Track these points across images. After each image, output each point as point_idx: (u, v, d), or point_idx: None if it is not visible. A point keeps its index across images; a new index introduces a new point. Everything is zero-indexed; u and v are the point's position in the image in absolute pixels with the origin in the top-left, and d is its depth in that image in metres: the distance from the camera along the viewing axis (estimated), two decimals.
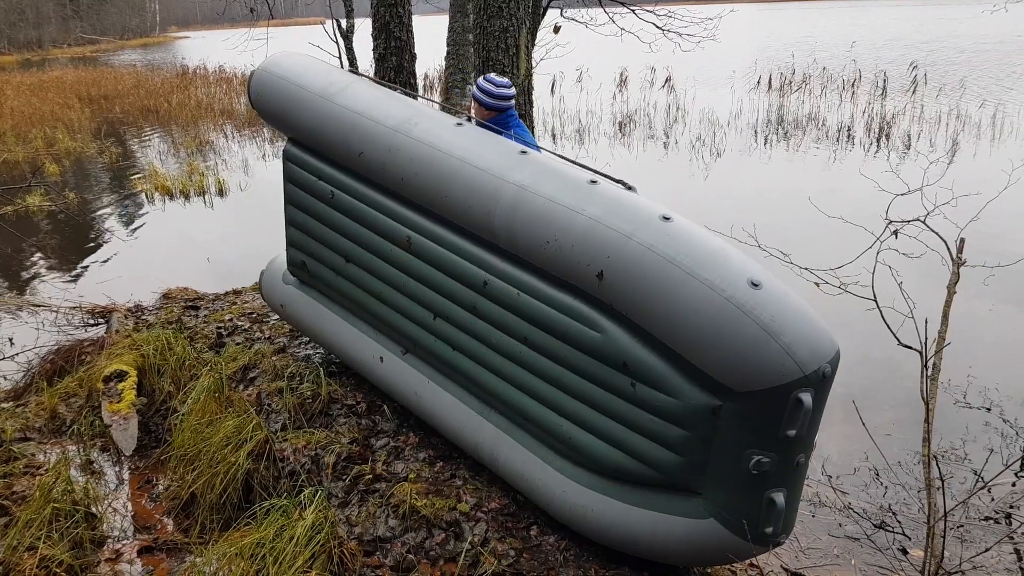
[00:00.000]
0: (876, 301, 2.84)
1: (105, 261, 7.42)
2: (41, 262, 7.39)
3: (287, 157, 3.53)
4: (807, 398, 2.09)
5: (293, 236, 3.61)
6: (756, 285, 2.14)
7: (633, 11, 7.15)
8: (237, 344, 4.26)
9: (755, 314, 2.09)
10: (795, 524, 2.44)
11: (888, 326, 2.79)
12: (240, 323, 4.72)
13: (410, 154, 2.92)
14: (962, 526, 3.23)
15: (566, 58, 10.11)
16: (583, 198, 2.45)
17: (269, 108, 3.48)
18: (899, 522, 3.27)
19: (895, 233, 2.97)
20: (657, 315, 2.25)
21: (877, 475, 3.60)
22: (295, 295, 3.74)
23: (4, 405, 3.95)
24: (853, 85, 15.62)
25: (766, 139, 12.39)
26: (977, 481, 3.48)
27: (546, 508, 2.76)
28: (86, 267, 7.26)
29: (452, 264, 2.88)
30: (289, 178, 3.54)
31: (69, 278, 6.88)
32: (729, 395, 2.20)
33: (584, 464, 2.63)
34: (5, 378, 4.43)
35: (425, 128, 2.95)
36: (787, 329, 2.09)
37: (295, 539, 2.59)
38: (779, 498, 2.24)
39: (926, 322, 2.72)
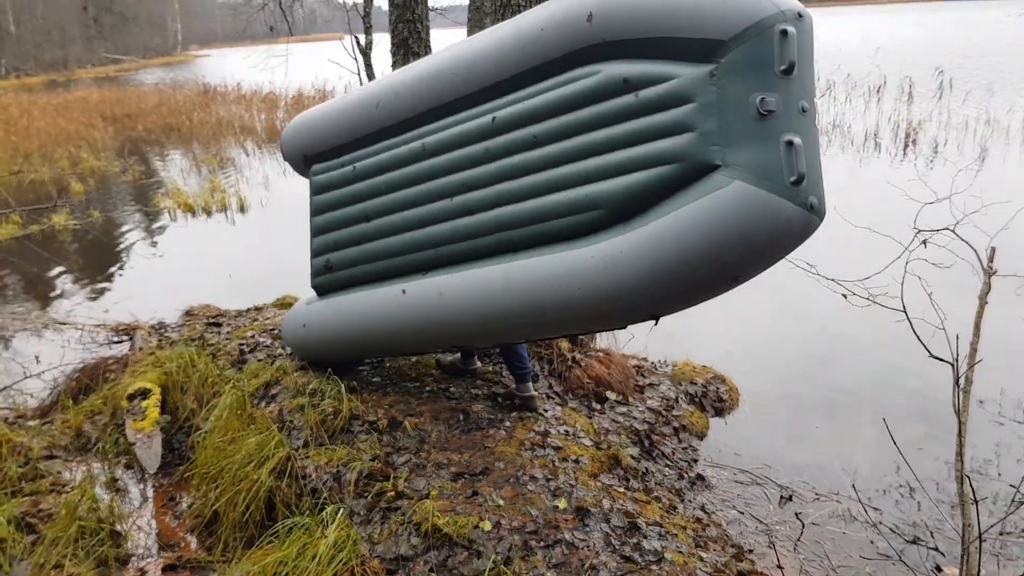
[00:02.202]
0: (906, 312, 2.78)
1: (128, 279, 7.50)
2: (66, 280, 7.48)
3: (313, 174, 3.77)
4: (790, 30, 2.26)
5: (318, 244, 3.72)
6: None
7: None
8: (259, 361, 4.26)
9: None
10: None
11: (919, 338, 2.74)
12: (262, 339, 4.73)
13: (419, 70, 3.30)
14: (989, 542, 3.15)
15: None
16: None
17: (297, 144, 3.83)
18: (933, 537, 3.20)
19: (924, 243, 2.92)
20: (646, 12, 2.49)
21: (909, 491, 3.52)
22: (317, 307, 3.77)
23: (31, 423, 3.99)
24: (878, 91, 15.47)
25: None
26: (1015, 497, 3.39)
27: (581, 297, 2.61)
28: (110, 285, 7.34)
29: (463, 132, 3.10)
30: (315, 190, 3.73)
31: (93, 296, 6.96)
32: (719, 52, 2.34)
33: (607, 219, 2.60)
34: (32, 396, 4.48)
35: (429, 56, 3.41)
36: None
37: (317, 557, 2.57)
38: (795, 139, 2.27)
39: (957, 338, 2.66)
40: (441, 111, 3.21)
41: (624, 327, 2.95)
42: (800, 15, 2.30)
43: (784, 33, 2.25)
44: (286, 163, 4.05)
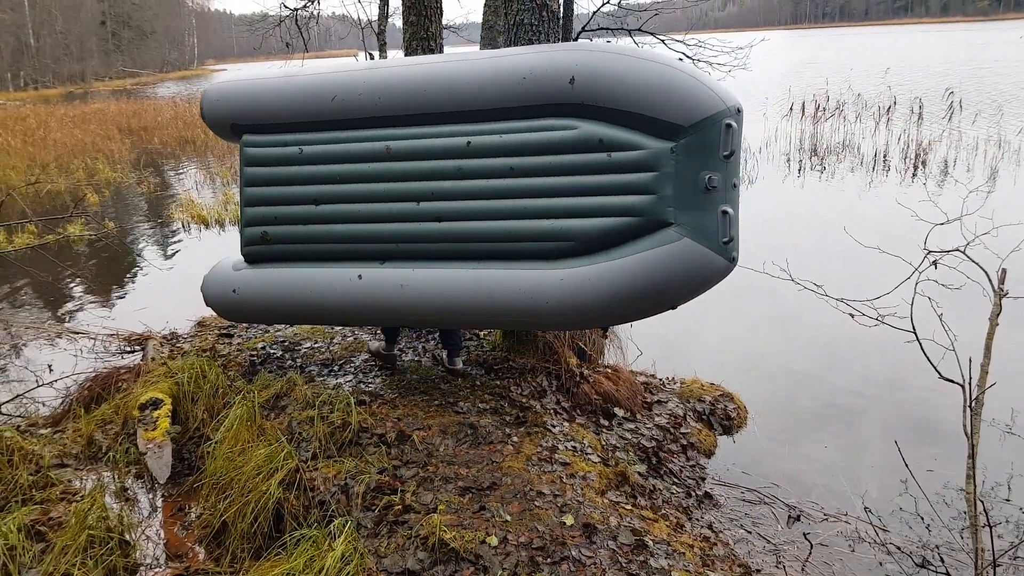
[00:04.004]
0: (915, 333, 2.78)
1: (141, 289, 7.56)
2: (80, 290, 7.55)
3: (245, 145, 3.88)
4: (733, 123, 2.85)
5: (252, 214, 3.86)
6: (682, 59, 2.97)
7: (663, 41, 7.17)
8: (269, 372, 4.29)
9: (687, 71, 2.97)
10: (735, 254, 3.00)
11: (928, 359, 2.74)
12: (272, 351, 4.76)
13: (386, 75, 3.51)
14: (1002, 567, 3.12)
15: None
16: (546, 47, 3.28)
17: (226, 110, 3.91)
18: (943, 562, 3.17)
19: (934, 263, 2.92)
20: (623, 90, 2.99)
21: (919, 512, 3.49)
22: (248, 275, 3.89)
23: (42, 431, 4.02)
24: (888, 111, 15.48)
25: (800, 166, 12.30)
26: None
27: (548, 309, 3.12)
28: (123, 295, 7.40)
29: (433, 146, 3.40)
30: (248, 162, 3.87)
31: (107, 306, 7.02)
32: (679, 135, 2.91)
33: (577, 251, 3.12)
34: (44, 404, 4.51)
35: (393, 61, 3.64)
36: (708, 80, 2.95)
37: (325, 570, 2.58)
38: (729, 210, 2.90)
39: (970, 360, 2.65)
40: (406, 120, 3.48)
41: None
42: (739, 110, 2.90)
43: (728, 126, 2.85)
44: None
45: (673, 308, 3.08)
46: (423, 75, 3.42)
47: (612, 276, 3.00)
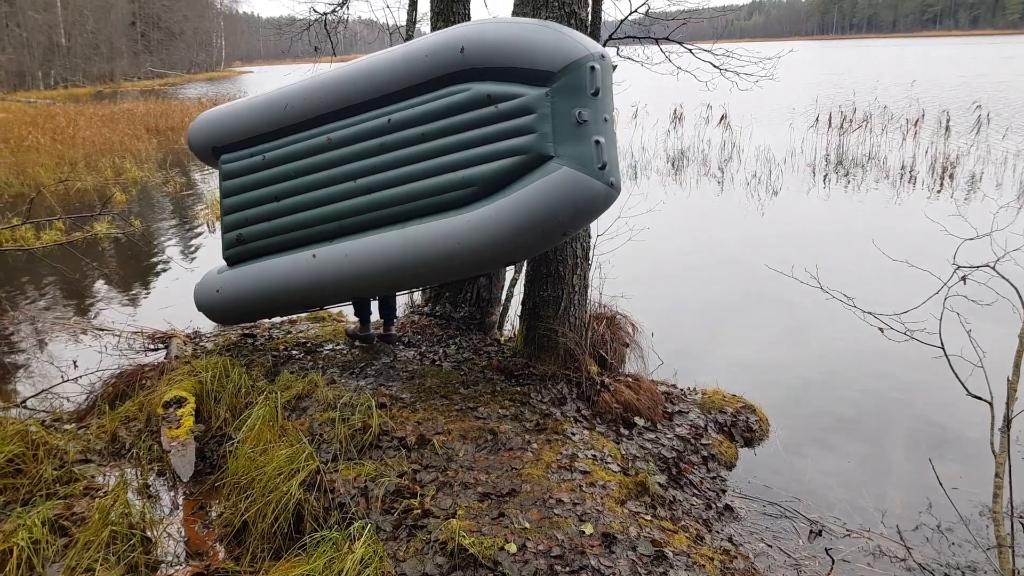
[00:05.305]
0: (943, 349, 2.75)
1: (166, 288, 7.64)
2: (106, 287, 7.64)
3: (222, 163, 4.46)
4: (596, 66, 3.32)
5: (228, 221, 4.41)
6: (548, 21, 3.60)
7: (690, 50, 7.12)
8: (291, 373, 4.32)
9: (552, 27, 3.47)
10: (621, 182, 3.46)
11: (956, 375, 2.70)
12: (295, 352, 4.79)
13: (326, 78, 4.09)
14: None
15: (623, 95, 10.13)
16: (441, 30, 3.85)
17: (205, 137, 4.52)
18: None
19: (963, 279, 2.88)
20: (502, 50, 3.48)
21: (943, 530, 3.44)
22: (228, 275, 4.39)
23: (67, 427, 4.06)
24: (915, 124, 15.30)
25: (825, 177, 12.20)
26: None
27: (463, 248, 3.52)
28: (148, 293, 7.48)
29: (362, 129, 3.93)
30: (225, 177, 4.43)
31: (132, 303, 7.09)
32: (551, 80, 3.37)
33: (479, 193, 3.54)
34: (68, 400, 4.57)
35: (335, 67, 4.17)
36: (573, 33, 3.45)
37: (344, 573, 2.58)
38: (601, 139, 3.33)
39: (1007, 378, 2.61)
40: (343, 112, 4.02)
41: (489, 273, 4.36)
42: (603, 56, 3.37)
43: (592, 68, 3.32)
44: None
45: (565, 235, 3.49)
46: (352, 72, 3.98)
47: (509, 209, 3.41)
